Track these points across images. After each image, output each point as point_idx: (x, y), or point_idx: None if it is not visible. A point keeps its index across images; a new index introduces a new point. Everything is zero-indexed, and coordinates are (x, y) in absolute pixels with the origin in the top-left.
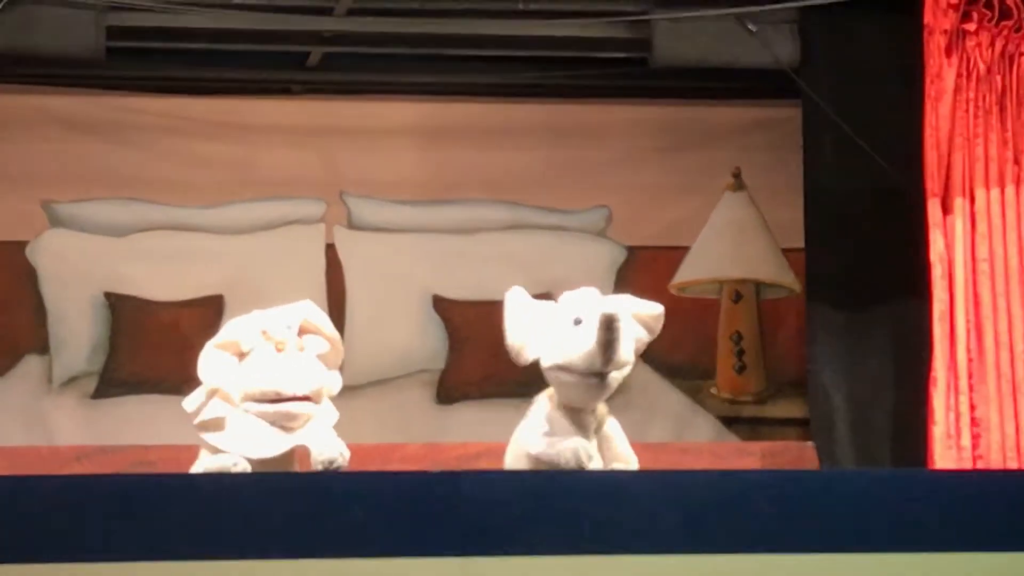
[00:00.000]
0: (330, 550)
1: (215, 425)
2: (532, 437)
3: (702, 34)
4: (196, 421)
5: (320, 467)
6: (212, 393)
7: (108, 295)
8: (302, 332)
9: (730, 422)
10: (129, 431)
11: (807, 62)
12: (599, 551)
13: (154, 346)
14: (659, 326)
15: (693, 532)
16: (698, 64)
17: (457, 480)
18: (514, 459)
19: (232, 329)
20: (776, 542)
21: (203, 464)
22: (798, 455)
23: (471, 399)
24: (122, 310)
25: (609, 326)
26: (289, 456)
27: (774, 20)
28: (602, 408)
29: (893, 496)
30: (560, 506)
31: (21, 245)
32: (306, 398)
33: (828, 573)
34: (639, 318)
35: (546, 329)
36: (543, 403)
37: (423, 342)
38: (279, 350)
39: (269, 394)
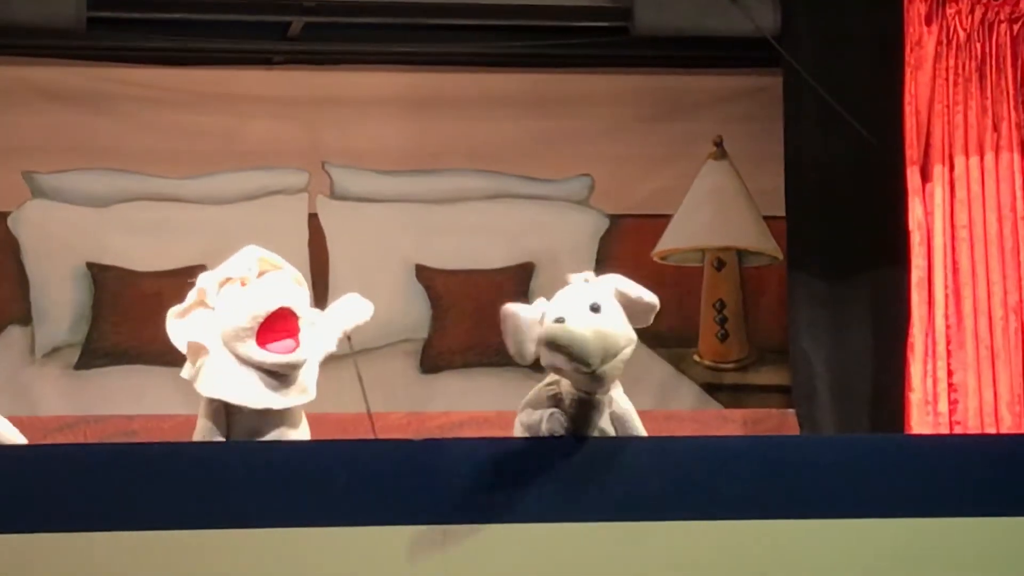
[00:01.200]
0: (313, 519)
1: (211, 379)
2: (525, 407)
3: (683, 2)
4: (194, 381)
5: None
6: (195, 351)
7: (90, 265)
8: (261, 274)
9: (713, 389)
10: (112, 401)
11: (788, 30)
12: (581, 519)
13: (137, 316)
14: (648, 318)
15: (676, 499)
16: (679, 33)
17: (440, 448)
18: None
19: (192, 293)
20: (757, 508)
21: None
22: (779, 422)
23: (454, 368)
24: (104, 280)
25: (552, 347)
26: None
27: None
28: (617, 389)
29: (872, 462)
30: (543, 474)
31: (3, 216)
32: (288, 313)
33: (809, 539)
34: (627, 301)
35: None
36: (553, 378)
37: (406, 311)
38: (243, 285)
39: (251, 319)
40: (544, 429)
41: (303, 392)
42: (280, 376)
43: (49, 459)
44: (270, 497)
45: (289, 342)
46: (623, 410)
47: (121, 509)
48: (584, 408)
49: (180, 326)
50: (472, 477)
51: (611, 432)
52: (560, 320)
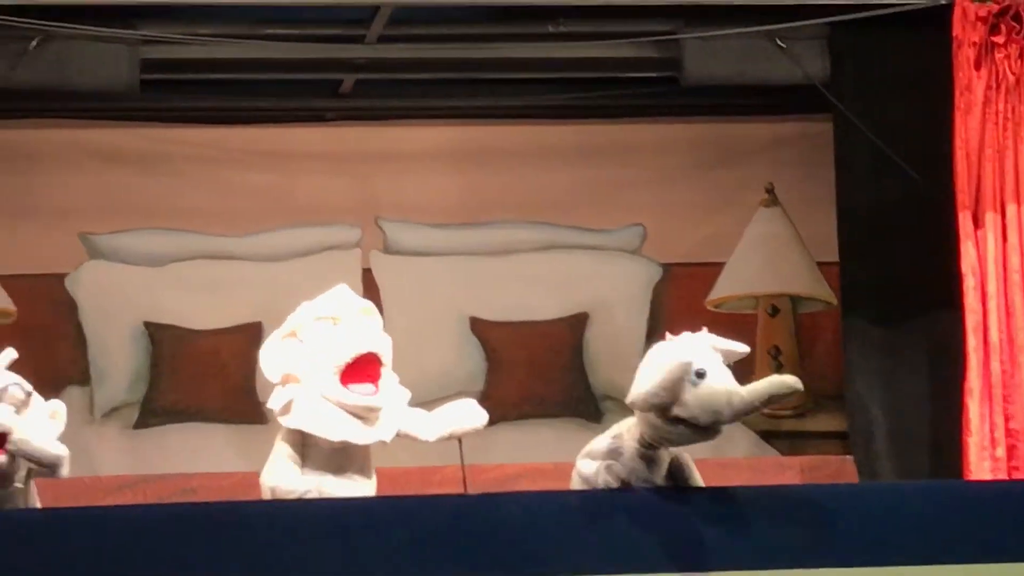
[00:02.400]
0: (373, 573)
1: (296, 410)
2: (584, 457)
3: (731, 51)
4: (277, 411)
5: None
6: (284, 380)
7: (147, 324)
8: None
9: (770, 436)
10: (171, 460)
11: (837, 77)
12: (639, 571)
13: (194, 374)
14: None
15: (734, 549)
16: (728, 81)
17: (496, 502)
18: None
19: (287, 322)
20: (817, 557)
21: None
22: (837, 468)
23: (509, 420)
24: (161, 339)
25: (771, 400)
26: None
27: (803, 36)
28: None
29: (932, 508)
30: (600, 526)
31: (60, 277)
32: (374, 358)
33: None
34: (726, 355)
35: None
36: (616, 433)
37: (461, 364)
38: (336, 324)
39: (338, 360)
40: (600, 481)
41: (381, 432)
42: (360, 417)
43: (110, 520)
44: (328, 554)
45: (370, 386)
46: (682, 462)
47: (181, 569)
48: (646, 462)
49: (273, 355)
50: (528, 531)
51: (664, 483)
52: (702, 373)
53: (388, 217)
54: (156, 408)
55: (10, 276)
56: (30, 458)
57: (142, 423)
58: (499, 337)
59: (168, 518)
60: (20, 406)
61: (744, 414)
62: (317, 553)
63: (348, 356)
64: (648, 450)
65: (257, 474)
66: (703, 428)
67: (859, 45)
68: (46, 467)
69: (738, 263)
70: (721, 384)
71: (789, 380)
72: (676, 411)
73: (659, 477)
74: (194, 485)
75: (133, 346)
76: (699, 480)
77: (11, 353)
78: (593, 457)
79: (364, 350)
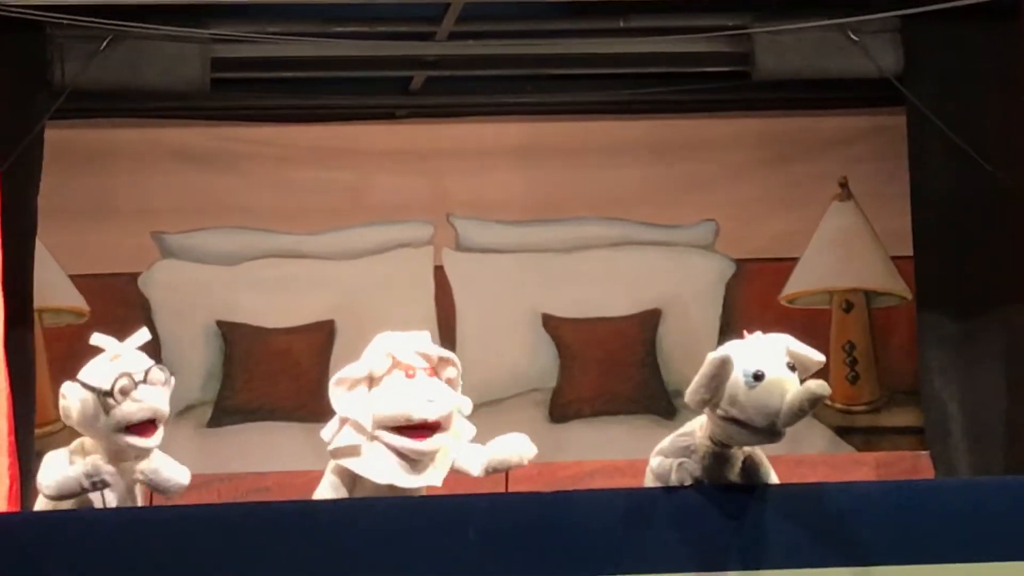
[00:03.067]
0: (445, 572)
1: (348, 452)
2: (656, 455)
3: (803, 45)
4: (330, 448)
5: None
6: (343, 422)
7: (220, 323)
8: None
9: (844, 432)
10: (245, 458)
11: (910, 70)
12: (714, 568)
13: (267, 373)
14: (817, 365)
15: (809, 546)
16: (800, 75)
17: (571, 500)
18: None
19: (362, 361)
20: (894, 554)
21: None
22: (913, 464)
23: (583, 417)
24: (234, 338)
25: (813, 404)
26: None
27: (876, 29)
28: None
29: (1010, 504)
30: (675, 524)
31: (134, 276)
32: (436, 424)
33: None
34: (796, 361)
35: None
36: (689, 431)
37: (534, 361)
38: (409, 376)
39: (399, 419)
40: (674, 479)
41: (429, 477)
42: (412, 460)
43: (183, 519)
44: (402, 552)
45: (427, 437)
46: (755, 460)
47: (255, 567)
48: (718, 460)
49: (344, 394)
50: (602, 528)
51: (738, 480)
52: (760, 375)
53: (459, 214)
54: (229, 407)
55: (83, 275)
56: (157, 488)
57: (215, 422)
58: (571, 333)
59: (242, 517)
60: (163, 387)
61: (790, 423)
62: (390, 553)
63: (415, 419)
64: (719, 448)
65: None
66: (761, 430)
67: (932, 38)
68: (169, 494)
69: (812, 258)
70: (777, 388)
71: (812, 387)
72: (733, 412)
73: (732, 474)
74: (268, 484)
75: (206, 345)
76: (773, 477)
77: (145, 334)
78: (665, 455)
79: (429, 417)
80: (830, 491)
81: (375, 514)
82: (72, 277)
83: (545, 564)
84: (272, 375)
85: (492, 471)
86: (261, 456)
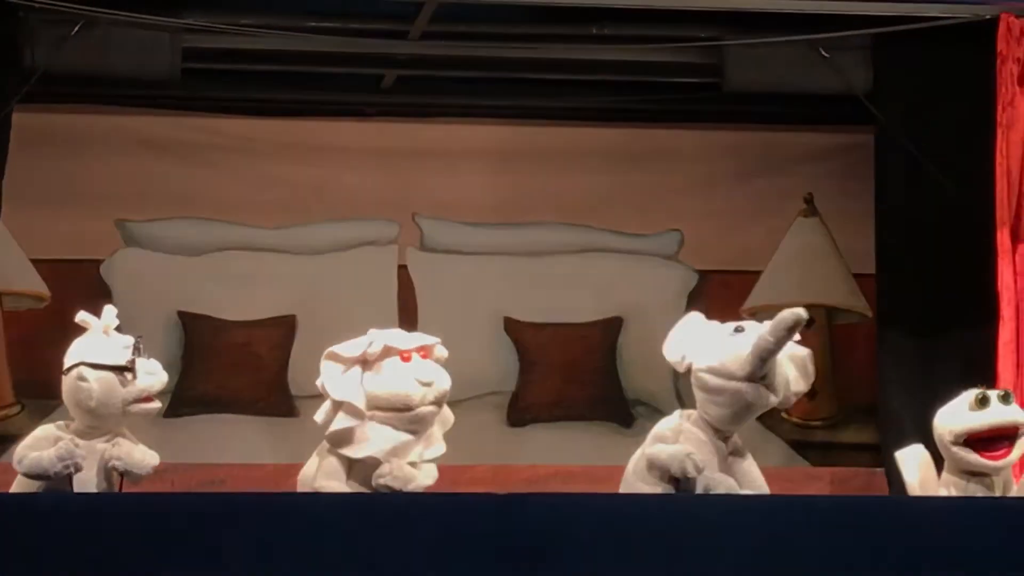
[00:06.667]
0: (400, 572)
1: (344, 439)
2: (655, 441)
3: (774, 60)
4: (326, 433)
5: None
6: (339, 406)
7: (181, 314)
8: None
9: (801, 447)
10: (201, 449)
11: (879, 88)
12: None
13: (226, 365)
14: (810, 369)
15: (760, 558)
16: (770, 89)
17: (526, 502)
18: (633, 463)
19: (355, 343)
20: (844, 569)
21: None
22: (867, 481)
23: (541, 421)
24: (195, 329)
25: (793, 328)
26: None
27: (847, 47)
28: (737, 439)
29: (960, 522)
30: (627, 529)
31: (95, 264)
32: (435, 403)
33: None
34: (793, 359)
35: (706, 338)
36: (677, 417)
37: (494, 364)
38: (405, 360)
39: (397, 403)
40: (676, 469)
41: (429, 447)
42: (411, 431)
43: (137, 507)
44: (357, 549)
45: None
46: (749, 469)
47: (208, 558)
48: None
49: (337, 374)
50: (558, 531)
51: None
52: (741, 328)
53: (426, 214)
54: (187, 397)
55: (45, 260)
56: (128, 471)
57: (172, 412)
58: (533, 338)
59: (196, 507)
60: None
61: (768, 350)
62: (345, 547)
63: (409, 404)
64: (710, 432)
65: (287, 466)
66: (743, 379)
67: (902, 58)
68: (138, 477)
69: (774, 273)
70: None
71: (796, 310)
72: (713, 364)
73: (722, 461)
74: (222, 476)
75: (166, 335)
76: (763, 482)
77: (112, 310)
78: (661, 441)
79: (423, 400)
80: (782, 504)
81: (333, 509)
82: (34, 261)
83: (499, 566)
84: (231, 367)
85: None
86: (217, 448)
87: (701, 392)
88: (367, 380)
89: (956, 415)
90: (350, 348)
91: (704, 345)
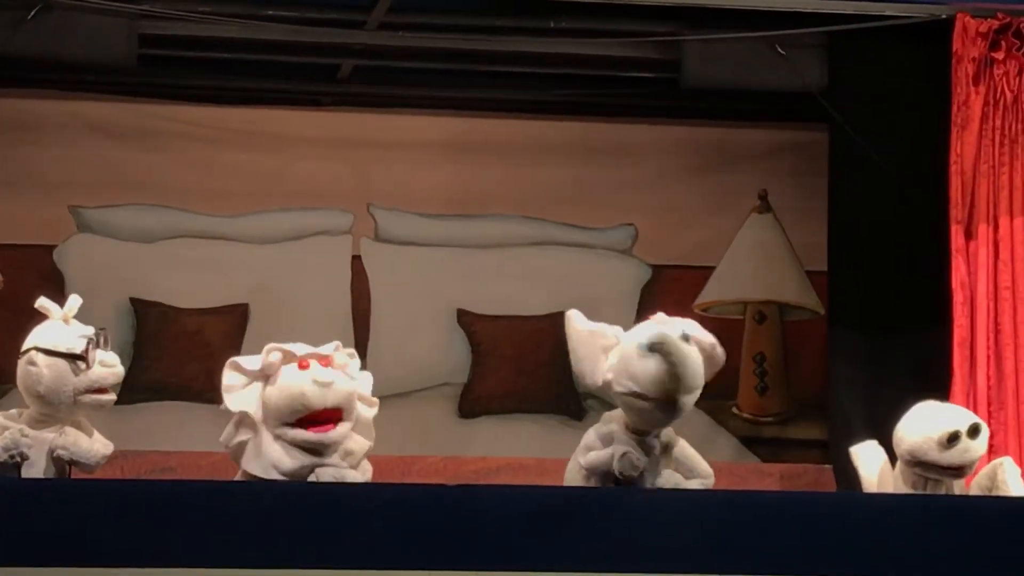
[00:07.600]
0: (348, 561)
1: (240, 451)
2: (586, 450)
3: (731, 56)
4: (225, 448)
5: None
6: (239, 420)
7: (134, 301)
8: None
9: (751, 442)
10: (151, 437)
11: (835, 86)
12: (614, 569)
13: (178, 353)
14: (719, 356)
15: (707, 552)
16: (727, 85)
17: (475, 494)
18: (570, 474)
19: (259, 359)
20: (791, 564)
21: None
22: (816, 477)
23: (492, 413)
24: (147, 316)
25: (663, 352)
26: None
27: (803, 44)
28: (667, 430)
29: (907, 521)
30: (577, 523)
31: (48, 249)
32: (336, 410)
33: None
34: (699, 345)
35: (616, 354)
36: (608, 422)
37: (447, 355)
38: (303, 367)
39: (296, 406)
40: (616, 467)
41: (344, 458)
42: (316, 452)
43: (86, 493)
44: (304, 538)
45: (329, 429)
46: (686, 454)
47: (154, 545)
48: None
49: (238, 389)
50: (507, 523)
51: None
52: (653, 346)
53: (380, 205)
54: (138, 384)
55: None
56: (76, 461)
57: (123, 399)
58: (485, 330)
59: (144, 494)
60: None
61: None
62: (293, 538)
63: (312, 408)
64: (637, 436)
65: None
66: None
67: (858, 56)
68: (88, 468)
69: (728, 268)
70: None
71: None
72: (631, 385)
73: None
74: (173, 463)
75: (117, 321)
76: (703, 464)
77: (77, 299)
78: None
79: (327, 405)
80: (731, 499)
81: (283, 497)
82: None
83: (447, 557)
84: (183, 355)
85: None
86: (167, 435)
87: (624, 408)
88: (266, 392)
89: (923, 447)
90: (251, 362)
91: (617, 362)
